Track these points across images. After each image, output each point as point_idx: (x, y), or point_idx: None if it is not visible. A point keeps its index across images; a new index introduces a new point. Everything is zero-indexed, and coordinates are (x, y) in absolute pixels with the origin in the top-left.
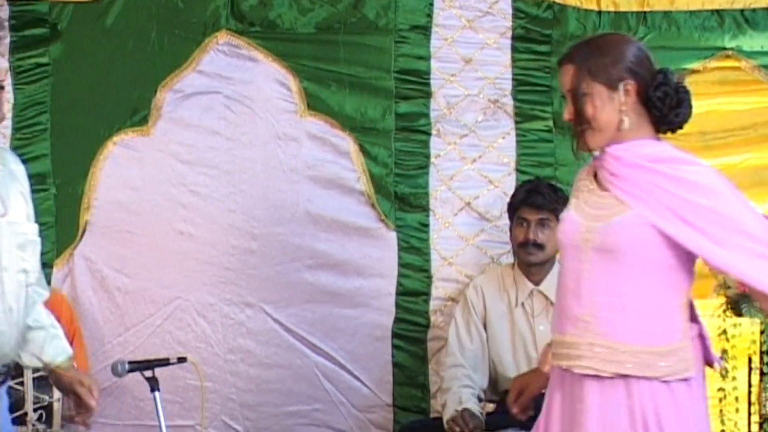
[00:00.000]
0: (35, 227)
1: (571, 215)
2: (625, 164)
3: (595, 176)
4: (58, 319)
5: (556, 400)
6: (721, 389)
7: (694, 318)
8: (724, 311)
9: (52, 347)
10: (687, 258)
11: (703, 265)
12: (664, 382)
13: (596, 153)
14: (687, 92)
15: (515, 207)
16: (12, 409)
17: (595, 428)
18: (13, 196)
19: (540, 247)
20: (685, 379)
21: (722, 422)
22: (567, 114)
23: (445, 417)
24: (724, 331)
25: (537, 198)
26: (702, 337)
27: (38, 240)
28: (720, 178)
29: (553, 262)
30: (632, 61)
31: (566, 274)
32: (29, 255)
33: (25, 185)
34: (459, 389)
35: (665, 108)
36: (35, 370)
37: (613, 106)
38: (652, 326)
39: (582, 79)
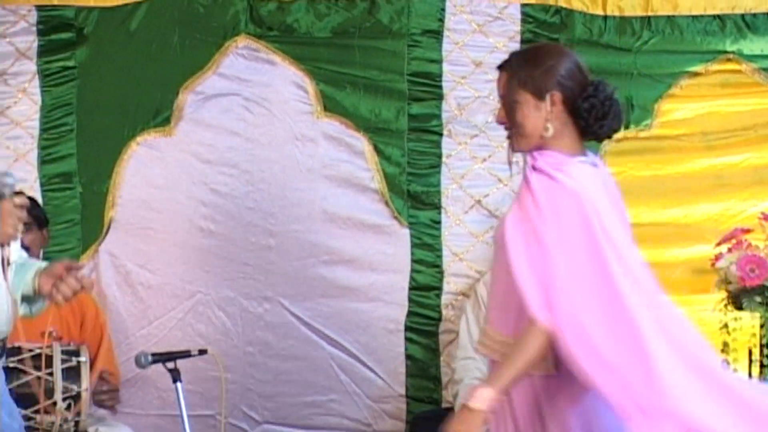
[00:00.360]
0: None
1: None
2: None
3: None
4: (85, 314)
5: None
6: None
7: None
8: (726, 305)
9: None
10: None
11: (705, 261)
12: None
13: None
14: (615, 104)
15: None
16: (41, 399)
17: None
18: None
19: None
20: (545, 377)
21: None
22: (498, 117)
23: (457, 407)
24: (726, 325)
25: None
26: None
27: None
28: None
29: None
30: (562, 74)
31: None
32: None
33: None
34: (470, 381)
35: (591, 119)
36: (64, 361)
37: (539, 115)
38: (514, 319)
39: (513, 87)
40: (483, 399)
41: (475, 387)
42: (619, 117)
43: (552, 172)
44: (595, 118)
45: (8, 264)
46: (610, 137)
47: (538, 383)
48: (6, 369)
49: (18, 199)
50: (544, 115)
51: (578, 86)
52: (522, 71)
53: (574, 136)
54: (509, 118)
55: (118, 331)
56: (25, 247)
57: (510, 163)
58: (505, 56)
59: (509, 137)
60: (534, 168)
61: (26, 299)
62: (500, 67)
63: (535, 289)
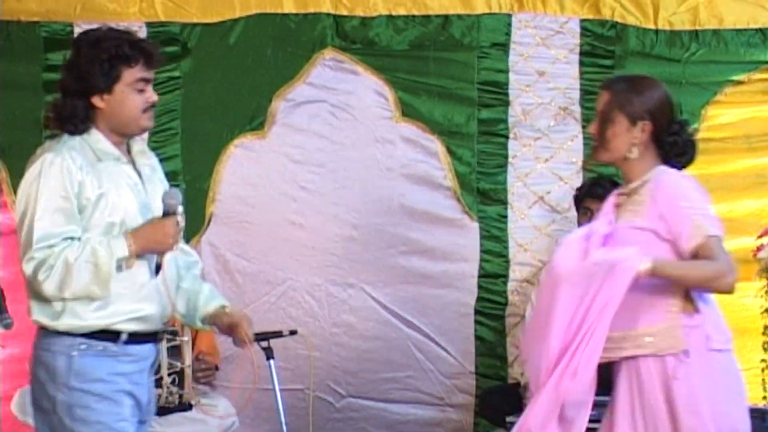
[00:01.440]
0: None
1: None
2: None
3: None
4: None
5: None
6: (763, 360)
7: (697, 309)
8: (766, 292)
9: (210, 299)
10: (669, 249)
11: (747, 252)
12: (675, 356)
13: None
14: (693, 145)
15: (580, 198)
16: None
17: (626, 404)
18: (156, 185)
19: None
20: (676, 355)
21: (764, 389)
22: (592, 128)
23: (525, 380)
24: (766, 310)
25: (599, 189)
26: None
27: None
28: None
29: None
30: (656, 106)
31: None
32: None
33: (161, 173)
34: None
35: (672, 153)
36: (168, 340)
37: (628, 137)
38: (639, 312)
39: (611, 107)
40: (641, 261)
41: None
42: (694, 154)
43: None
44: (675, 154)
45: (159, 270)
46: (683, 168)
47: (671, 366)
48: None
49: (180, 218)
50: (631, 139)
51: (666, 121)
52: (622, 95)
53: (652, 162)
54: (599, 132)
55: None
56: None
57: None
58: (566, 67)
59: (592, 147)
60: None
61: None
62: (604, 87)
63: None
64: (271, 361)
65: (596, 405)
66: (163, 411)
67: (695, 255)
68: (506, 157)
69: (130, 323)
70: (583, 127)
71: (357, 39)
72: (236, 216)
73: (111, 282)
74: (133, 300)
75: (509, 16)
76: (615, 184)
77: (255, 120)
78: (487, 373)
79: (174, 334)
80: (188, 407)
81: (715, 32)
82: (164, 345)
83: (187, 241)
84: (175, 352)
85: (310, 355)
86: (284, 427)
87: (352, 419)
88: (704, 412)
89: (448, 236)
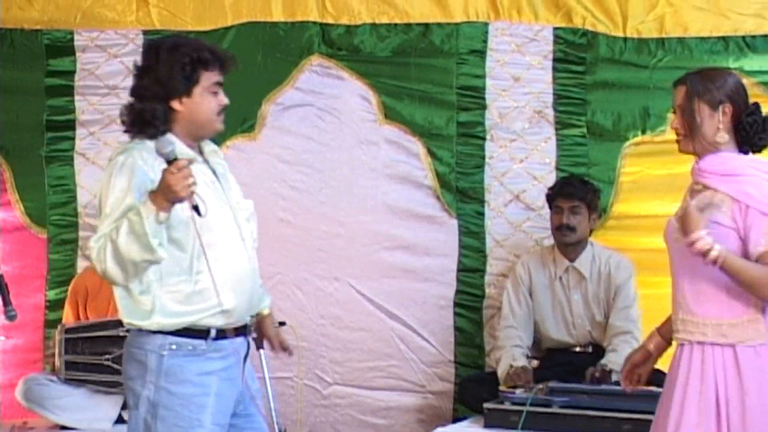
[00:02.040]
0: (251, 202)
1: (672, 218)
2: (712, 177)
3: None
4: None
5: (674, 367)
6: None
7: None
8: None
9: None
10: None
11: None
12: (731, 347)
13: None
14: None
15: (552, 197)
16: None
17: (695, 387)
18: (232, 182)
19: (572, 229)
20: (754, 347)
21: None
22: (675, 124)
23: (500, 370)
24: None
25: (569, 189)
26: None
27: (254, 214)
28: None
29: (586, 243)
30: (732, 89)
31: (671, 269)
32: (253, 225)
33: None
34: (511, 348)
35: (752, 132)
36: None
37: (712, 123)
38: (725, 303)
39: (691, 98)
40: (713, 245)
41: (712, 243)
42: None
43: (753, 170)
44: (755, 132)
45: (199, 212)
46: (761, 150)
47: (745, 356)
48: (117, 337)
49: (183, 161)
50: (716, 124)
51: (743, 103)
52: (699, 85)
53: (735, 146)
54: (686, 124)
55: None
56: None
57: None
58: (541, 72)
59: (679, 140)
60: (731, 173)
61: None
62: (678, 82)
63: None
64: (262, 351)
65: (569, 392)
66: None
67: (758, 261)
68: (483, 157)
69: (216, 318)
70: (557, 129)
71: (342, 46)
72: None
73: (154, 243)
74: (220, 291)
75: (486, 24)
76: (584, 182)
77: (246, 123)
78: (465, 362)
79: None
80: None
81: (681, 40)
82: None
83: None
84: None
85: (298, 345)
86: (274, 413)
87: (338, 405)
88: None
89: (429, 233)
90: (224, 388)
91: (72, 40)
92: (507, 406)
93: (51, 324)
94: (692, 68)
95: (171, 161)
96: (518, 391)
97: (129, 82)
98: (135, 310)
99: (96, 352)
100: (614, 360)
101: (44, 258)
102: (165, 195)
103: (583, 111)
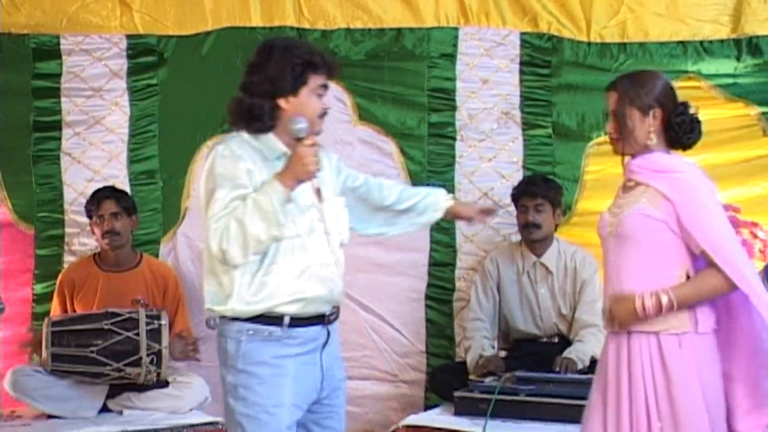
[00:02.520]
0: (343, 200)
1: (605, 214)
2: (644, 173)
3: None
4: (167, 285)
5: (603, 357)
6: None
7: None
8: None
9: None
10: (680, 240)
11: None
12: (655, 335)
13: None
14: (699, 122)
15: (517, 197)
16: (129, 354)
17: (611, 374)
18: (327, 178)
19: (538, 226)
20: (677, 335)
21: None
22: (609, 128)
23: (470, 359)
24: None
25: (533, 188)
26: (712, 306)
27: (345, 209)
28: (702, 178)
29: (551, 239)
30: (661, 93)
31: (604, 260)
32: (342, 221)
33: (337, 162)
34: (480, 339)
35: (681, 132)
36: (148, 323)
37: (643, 127)
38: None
39: (623, 104)
40: (658, 299)
41: (656, 291)
42: (700, 132)
43: (691, 167)
44: (683, 132)
45: (321, 196)
46: (691, 147)
47: (669, 344)
48: (101, 330)
49: (313, 139)
50: (647, 127)
51: (672, 105)
52: (630, 91)
53: (665, 144)
54: (619, 128)
55: (192, 299)
56: (117, 233)
57: (623, 165)
58: (508, 75)
59: (614, 143)
60: (662, 170)
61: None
62: (610, 88)
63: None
64: None
65: (536, 381)
66: (142, 388)
67: (703, 255)
68: (454, 156)
69: (292, 305)
70: (523, 129)
71: (318, 49)
72: None
73: (282, 221)
74: (295, 281)
75: (456, 29)
76: (547, 181)
77: (225, 123)
78: (436, 352)
79: (154, 318)
80: (165, 384)
81: (642, 44)
82: (143, 328)
83: (165, 233)
84: (154, 334)
85: None
86: None
87: None
88: (695, 391)
89: None
90: (302, 372)
91: (58, 44)
92: (476, 394)
93: (38, 317)
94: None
95: (300, 139)
96: (487, 380)
97: (113, 84)
98: (217, 295)
99: (81, 345)
100: (582, 350)
101: (31, 253)
102: (294, 170)
103: (549, 112)
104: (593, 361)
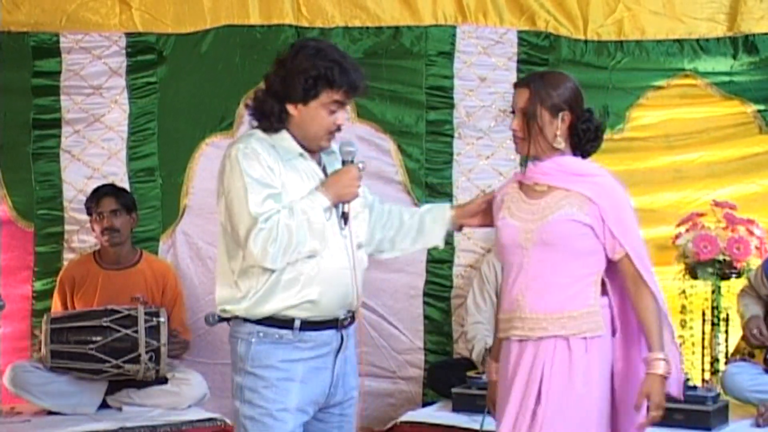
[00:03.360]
0: (360, 200)
1: (508, 221)
2: (560, 177)
3: (521, 188)
4: (166, 283)
5: (503, 368)
6: (680, 336)
7: (605, 292)
8: (683, 275)
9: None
10: (600, 245)
11: (667, 239)
12: (565, 339)
13: (520, 170)
14: (602, 131)
15: None
16: (128, 351)
17: (519, 382)
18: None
19: None
20: (585, 338)
21: (681, 362)
22: (514, 126)
23: (475, 352)
24: (683, 291)
25: None
26: (610, 308)
27: (364, 210)
28: (618, 182)
29: None
30: (572, 97)
31: (509, 269)
32: (359, 222)
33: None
34: (483, 337)
35: (584, 139)
36: (146, 321)
37: (551, 129)
38: (570, 297)
39: (533, 103)
40: (663, 365)
41: (652, 358)
42: (601, 141)
43: (606, 171)
44: (587, 139)
45: (347, 220)
46: (589, 155)
47: (577, 347)
48: (100, 327)
49: (360, 165)
50: (555, 129)
51: (580, 111)
52: (543, 91)
53: (569, 148)
54: (526, 128)
55: (191, 296)
56: (116, 230)
57: (522, 162)
58: (506, 73)
59: (518, 142)
60: (581, 174)
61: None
62: (521, 85)
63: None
64: None
65: None
66: (141, 384)
67: (616, 263)
68: (452, 154)
69: (302, 309)
70: None
71: None
72: (208, 207)
73: (325, 234)
74: (308, 284)
75: (454, 27)
76: None
77: (224, 121)
78: (434, 349)
79: (152, 315)
80: (164, 381)
81: (638, 43)
82: (142, 326)
83: (164, 230)
84: (152, 331)
85: None
86: None
87: None
88: (595, 392)
89: None
90: (311, 377)
91: (57, 42)
92: (474, 390)
93: (38, 314)
94: (650, 69)
95: (347, 162)
96: (485, 376)
97: (113, 82)
98: (231, 296)
99: (80, 341)
100: None
101: (31, 250)
102: (338, 190)
103: None
104: None
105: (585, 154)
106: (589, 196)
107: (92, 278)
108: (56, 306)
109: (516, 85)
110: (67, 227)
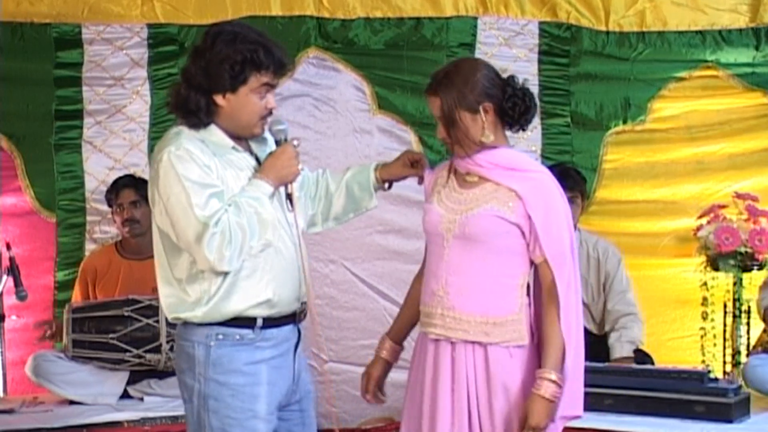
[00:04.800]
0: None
1: (434, 207)
2: (493, 170)
3: (455, 175)
4: None
5: (419, 361)
6: (702, 328)
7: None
8: (705, 267)
9: (359, 175)
10: (526, 245)
11: (688, 231)
12: (505, 347)
13: (453, 157)
14: (531, 96)
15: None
16: (149, 341)
17: (447, 385)
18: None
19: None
20: (508, 348)
21: (703, 354)
22: (440, 134)
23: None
24: (705, 283)
25: (569, 181)
26: (529, 314)
27: (302, 195)
28: (555, 181)
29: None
30: (486, 85)
31: (430, 257)
32: (300, 206)
33: None
34: None
35: (516, 114)
36: None
37: (476, 126)
38: (493, 300)
39: (449, 109)
40: (551, 387)
41: (540, 375)
42: (535, 106)
43: (543, 168)
44: (519, 113)
45: (294, 201)
46: (529, 124)
47: (494, 356)
48: (122, 317)
49: (295, 142)
50: (480, 124)
51: (500, 91)
52: (454, 93)
53: (503, 132)
54: (450, 134)
55: None
56: (137, 221)
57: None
58: (527, 64)
59: (449, 145)
60: (515, 168)
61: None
62: (428, 93)
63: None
64: None
65: None
66: (162, 375)
67: (538, 265)
68: None
69: (262, 308)
70: (542, 119)
71: (338, 39)
72: None
73: (275, 223)
74: (265, 281)
75: (475, 18)
76: (579, 173)
77: None
78: None
79: None
80: None
81: (660, 34)
82: (163, 315)
83: None
84: None
85: None
86: None
87: (334, 382)
88: (515, 402)
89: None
90: (276, 377)
91: (79, 33)
92: None
93: (59, 304)
94: (672, 61)
95: (280, 141)
96: None
97: (134, 73)
98: (181, 302)
99: (101, 331)
100: (629, 336)
101: (53, 241)
102: (279, 172)
103: (567, 101)
104: (636, 350)
105: (524, 127)
106: (517, 192)
107: (114, 269)
108: (76, 296)
109: (426, 93)
110: (88, 218)
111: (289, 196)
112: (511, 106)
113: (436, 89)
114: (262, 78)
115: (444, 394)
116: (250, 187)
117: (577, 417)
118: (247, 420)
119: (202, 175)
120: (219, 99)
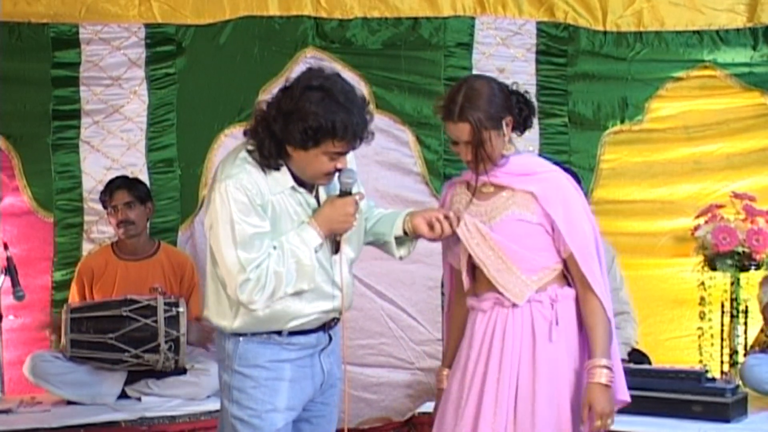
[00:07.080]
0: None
1: (470, 221)
2: (507, 177)
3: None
4: (184, 273)
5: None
6: (699, 328)
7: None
8: (703, 267)
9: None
10: (553, 240)
11: (686, 231)
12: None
13: (462, 174)
14: (527, 97)
15: None
16: (147, 341)
17: (497, 350)
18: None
19: None
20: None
21: (700, 354)
22: (466, 156)
23: None
24: (702, 283)
25: None
26: (576, 301)
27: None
28: (567, 177)
29: None
30: (503, 99)
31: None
32: (352, 241)
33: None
34: None
35: (522, 117)
36: (166, 311)
37: (500, 140)
38: (531, 285)
39: (478, 131)
40: (606, 373)
41: (593, 364)
42: (532, 106)
43: (554, 166)
44: (525, 116)
45: (339, 249)
46: (531, 125)
47: (543, 327)
48: (120, 317)
49: (359, 196)
50: (503, 138)
51: (513, 104)
52: (482, 116)
53: (513, 144)
54: (477, 155)
55: None
56: (131, 222)
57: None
58: (524, 64)
59: (474, 166)
60: (528, 173)
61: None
62: (458, 120)
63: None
64: None
65: None
66: (160, 375)
67: (566, 259)
68: None
69: (290, 323)
70: (540, 118)
71: (335, 39)
72: None
73: (315, 273)
74: (300, 303)
75: (473, 18)
76: (573, 173)
77: (243, 112)
78: None
79: (171, 305)
80: (183, 371)
81: (658, 33)
82: (161, 316)
83: (183, 221)
84: (172, 321)
85: None
86: None
87: None
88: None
89: None
90: (299, 376)
91: (77, 33)
92: None
93: (57, 304)
94: (669, 61)
95: (344, 193)
96: None
97: (132, 73)
98: (221, 312)
99: (100, 331)
100: (622, 336)
101: (51, 241)
102: (332, 223)
103: (565, 101)
104: (633, 350)
105: (528, 127)
106: (534, 193)
107: (110, 269)
108: (73, 297)
109: (451, 121)
110: (86, 218)
111: (336, 244)
112: (518, 112)
113: (463, 115)
114: (335, 147)
115: (493, 361)
116: (300, 233)
117: (627, 403)
118: (267, 412)
119: (254, 217)
120: (290, 149)
